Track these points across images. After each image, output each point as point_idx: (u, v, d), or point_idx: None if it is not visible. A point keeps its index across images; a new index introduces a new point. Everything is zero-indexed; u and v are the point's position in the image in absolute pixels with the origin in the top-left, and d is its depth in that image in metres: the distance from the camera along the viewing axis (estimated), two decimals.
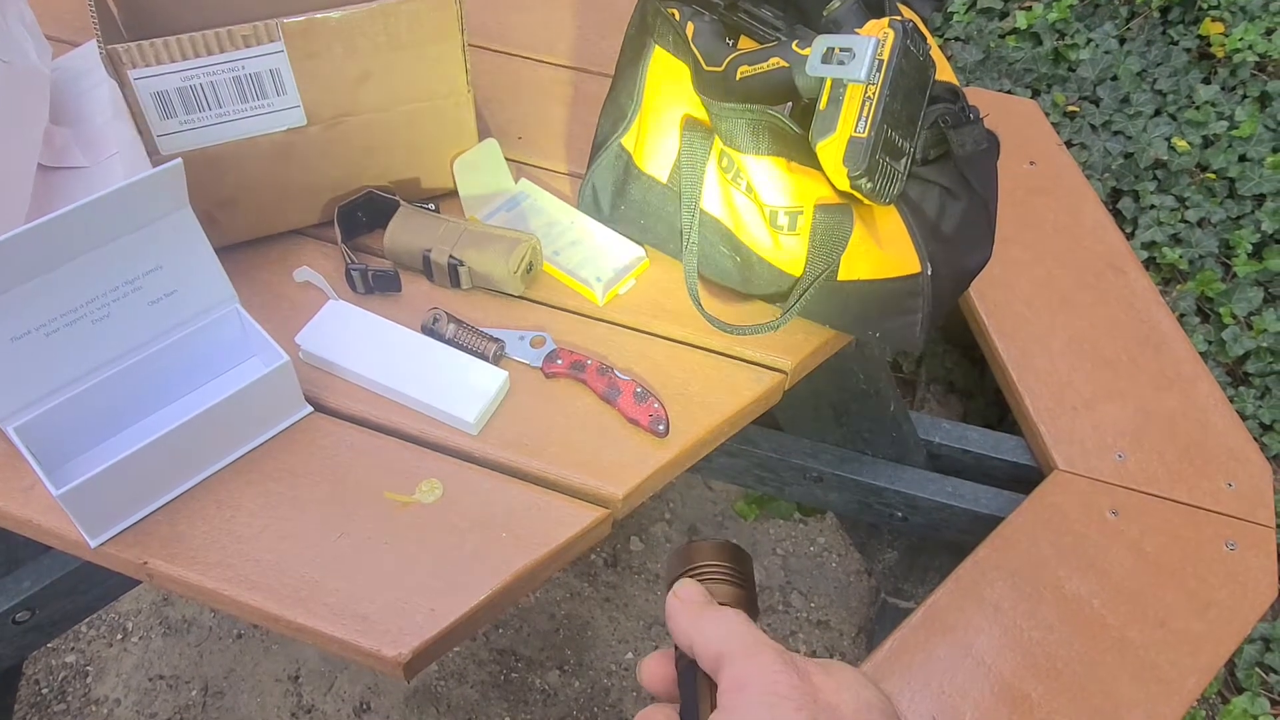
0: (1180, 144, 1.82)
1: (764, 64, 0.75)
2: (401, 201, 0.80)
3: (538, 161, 0.92)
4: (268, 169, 0.76)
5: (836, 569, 1.57)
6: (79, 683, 1.38)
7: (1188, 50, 1.97)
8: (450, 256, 0.77)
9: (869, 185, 0.68)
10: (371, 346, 0.73)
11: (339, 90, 0.75)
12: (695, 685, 0.35)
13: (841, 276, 0.73)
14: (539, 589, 1.50)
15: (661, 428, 0.71)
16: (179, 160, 0.61)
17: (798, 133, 0.69)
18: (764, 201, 0.70)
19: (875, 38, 0.67)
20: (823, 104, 0.69)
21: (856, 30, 0.71)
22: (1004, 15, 2.07)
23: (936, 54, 0.77)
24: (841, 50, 0.68)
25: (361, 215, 0.81)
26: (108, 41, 0.67)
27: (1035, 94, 1.94)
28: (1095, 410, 1.20)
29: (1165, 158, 1.80)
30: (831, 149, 0.68)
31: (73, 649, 1.41)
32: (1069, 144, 1.86)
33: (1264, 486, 1.14)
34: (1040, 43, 2.00)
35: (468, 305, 0.79)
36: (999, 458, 1.22)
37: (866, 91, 0.67)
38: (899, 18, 0.69)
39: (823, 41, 0.69)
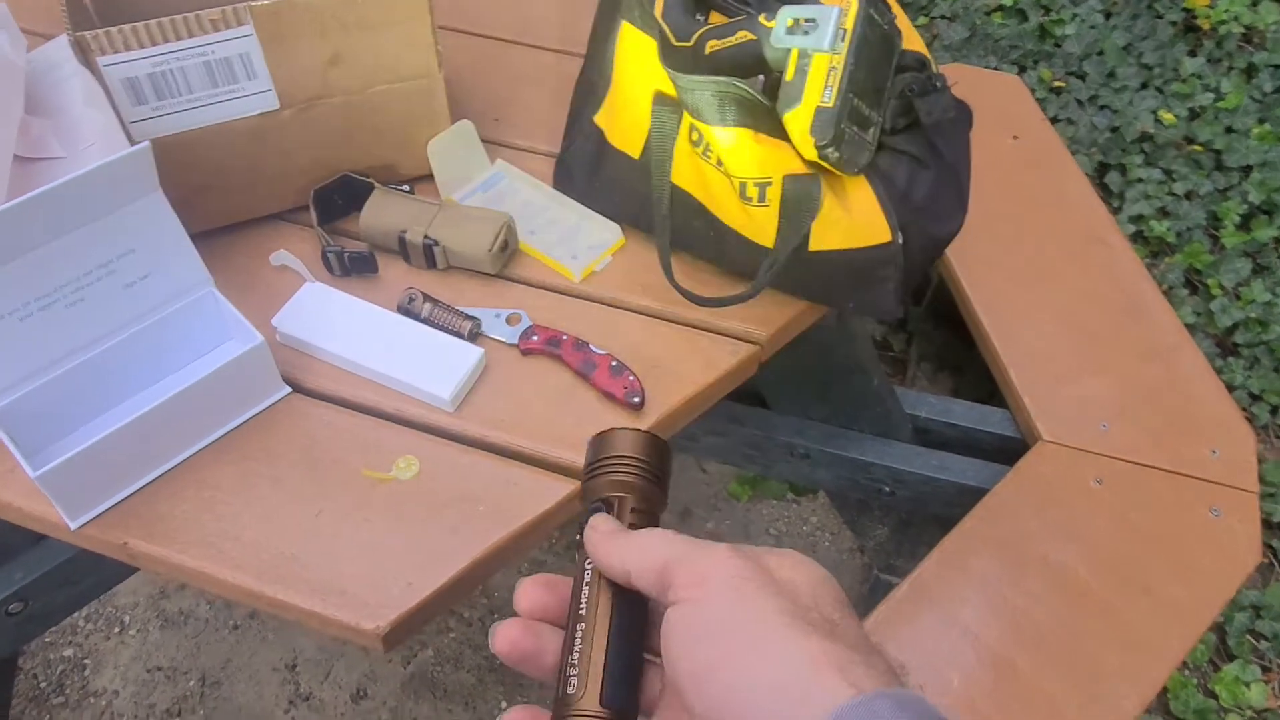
0: (1167, 117, 1.82)
1: (732, 37, 0.75)
2: (376, 184, 0.80)
3: (515, 142, 0.92)
4: (242, 153, 0.77)
5: (829, 548, 1.58)
6: (77, 675, 1.39)
7: (1173, 23, 1.97)
8: (425, 237, 0.78)
9: (836, 155, 0.69)
10: (348, 327, 0.74)
11: (310, 73, 0.75)
12: (577, 571, 0.36)
13: (813, 247, 0.74)
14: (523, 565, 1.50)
15: (637, 400, 0.71)
16: (146, 144, 0.61)
17: (764, 104, 0.70)
18: (732, 174, 0.71)
19: (838, 7, 0.67)
20: (789, 75, 0.70)
21: (821, 1, 0.71)
22: None
23: (904, 23, 0.77)
24: (806, 20, 0.69)
25: (338, 199, 0.82)
26: (77, 29, 0.68)
27: (1021, 70, 1.94)
28: (1079, 381, 1.20)
29: (1152, 131, 1.80)
30: (798, 119, 0.69)
31: (70, 642, 1.42)
32: (1055, 119, 1.86)
33: (1248, 453, 1.14)
34: (1026, 19, 2.00)
35: (444, 285, 0.79)
36: (985, 430, 1.22)
37: (831, 61, 0.68)
38: None
39: (787, 12, 0.70)
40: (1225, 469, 1.13)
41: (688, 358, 0.76)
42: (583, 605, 0.35)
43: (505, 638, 0.36)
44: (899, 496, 1.23)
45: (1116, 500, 1.10)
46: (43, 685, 1.38)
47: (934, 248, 0.78)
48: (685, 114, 0.73)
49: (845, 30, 0.67)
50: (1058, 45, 1.95)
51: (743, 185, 0.71)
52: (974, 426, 1.23)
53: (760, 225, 0.73)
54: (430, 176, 0.84)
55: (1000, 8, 2.01)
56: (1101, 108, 1.85)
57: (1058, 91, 1.89)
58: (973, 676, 0.98)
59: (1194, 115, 1.83)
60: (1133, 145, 1.80)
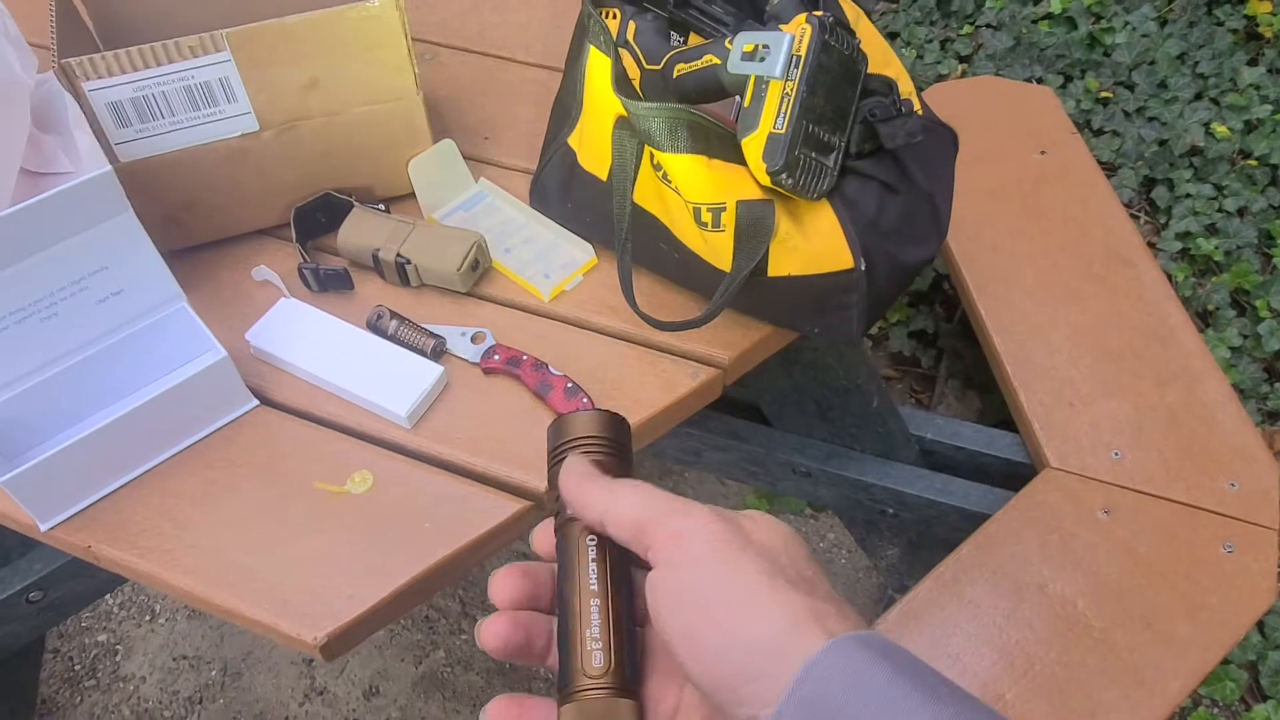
0: (1220, 129, 1.75)
1: (699, 61, 0.75)
2: (355, 203, 0.83)
3: (502, 161, 0.94)
4: (225, 174, 0.80)
5: (846, 565, 1.56)
6: (109, 660, 1.46)
7: (1233, 31, 1.89)
8: (398, 255, 0.79)
9: (790, 180, 0.68)
10: (317, 343, 0.76)
11: (289, 96, 0.78)
12: (566, 552, 0.37)
13: (771, 273, 0.73)
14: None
15: None
16: (108, 169, 0.64)
17: (718, 129, 0.70)
18: (687, 198, 0.71)
19: (790, 34, 0.67)
20: (747, 101, 0.70)
21: (782, 26, 0.71)
22: (1038, 0, 2.01)
23: (875, 45, 0.76)
24: (761, 47, 0.69)
25: (321, 216, 0.84)
26: (68, 54, 0.71)
27: (1067, 80, 1.88)
28: (1093, 406, 1.16)
29: (1202, 144, 1.73)
30: (754, 145, 0.69)
31: (104, 628, 1.49)
32: (1100, 131, 1.80)
33: (1269, 486, 1.09)
34: (1075, 27, 1.94)
35: (417, 303, 0.81)
36: (992, 454, 1.20)
37: (785, 88, 0.67)
38: (819, 13, 0.68)
39: (743, 38, 0.70)
40: (1243, 503, 1.08)
41: (647, 380, 0.76)
42: (593, 581, 0.36)
43: (494, 634, 0.37)
44: (902, 518, 1.21)
45: (1123, 531, 1.06)
46: (77, 668, 1.45)
47: (903, 274, 0.77)
48: None
49: (799, 56, 0.67)
50: (1107, 54, 1.88)
51: (697, 210, 0.71)
52: (981, 450, 1.20)
53: (716, 250, 0.73)
54: (413, 193, 0.86)
55: (1048, 16, 1.95)
56: (1150, 119, 1.78)
57: (1104, 102, 1.83)
58: None
59: (1250, 128, 1.75)
60: (1181, 159, 1.73)
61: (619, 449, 0.39)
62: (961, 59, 1.98)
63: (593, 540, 0.37)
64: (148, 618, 1.50)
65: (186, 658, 1.46)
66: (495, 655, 0.37)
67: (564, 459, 0.38)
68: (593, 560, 0.36)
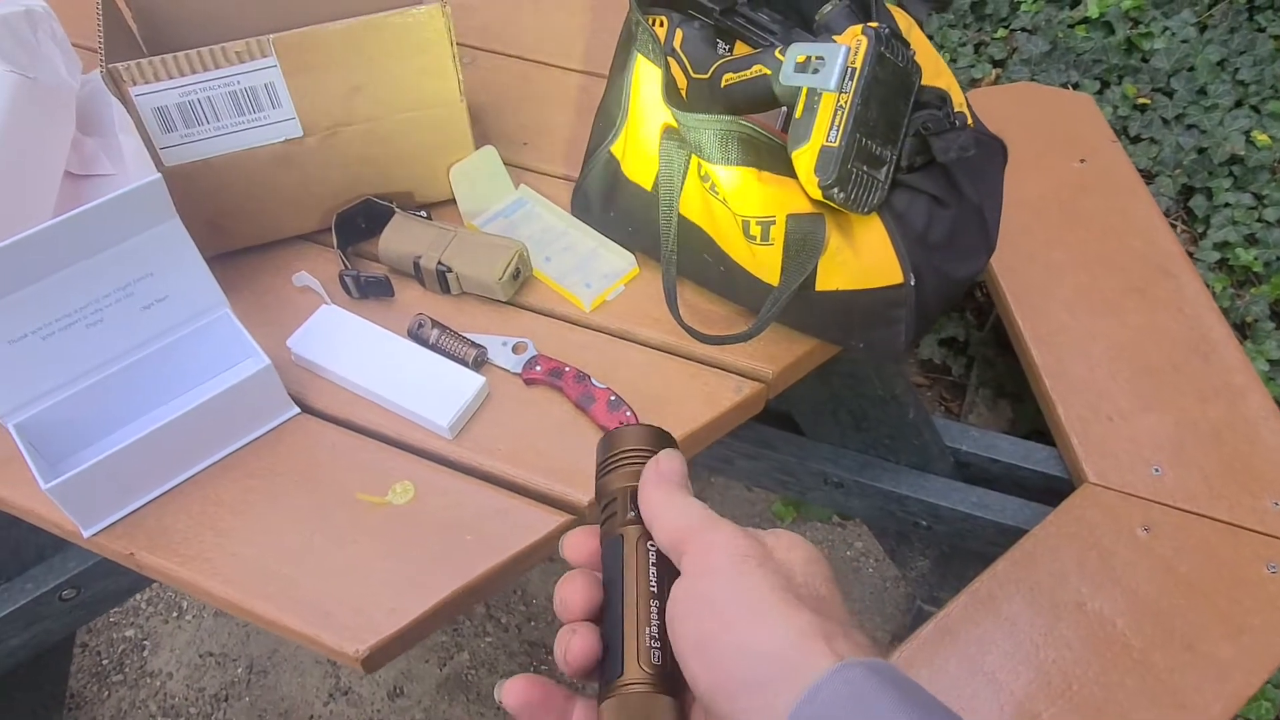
0: (1261, 138, 1.72)
1: (748, 71, 0.74)
2: (397, 209, 0.82)
3: (542, 168, 0.93)
4: (268, 179, 0.79)
5: (873, 574, 1.54)
6: (136, 655, 1.46)
7: (1275, 38, 1.86)
8: (439, 263, 0.79)
9: (842, 195, 0.67)
10: (358, 351, 0.76)
11: (333, 102, 0.77)
12: (621, 555, 0.38)
13: (820, 287, 0.72)
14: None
15: None
16: (158, 176, 0.64)
17: (770, 141, 0.69)
18: (736, 211, 0.70)
19: (846, 46, 0.66)
20: (799, 113, 0.69)
21: (836, 37, 0.70)
22: (1075, 4, 1.98)
23: (928, 57, 0.75)
24: (815, 59, 0.67)
25: (362, 222, 0.84)
26: (115, 59, 0.71)
27: (1104, 86, 1.85)
28: (1133, 421, 1.15)
29: (1242, 152, 1.70)
30: (805, 158, 0.68)
31: (132, 624, 1.50)
32: (1138, 138, 1.78)
33: None
34: (1112, 32, 1.91)
35: (457, 311, 0.81)
36: (1029, 468, 1.18)
37: (839, 100, 0.66)
38: (874, 24, 0.67)
39: (796, 49, 0.68)
40: None
41: (690, 393, 0.75)
42: (653, 583, 0.37)
43: (582, 651, 0.37)
44: (936, 531, 1.20)
45: (1164, 550, 1.04)
46: (104, 663, 1.46)
47: (951, 289, 0.76)
48: None
49: (854, 69, 0.66)
50: (1145, 60, 1.86)
51: (746, 223, 0.70)
52: (1018, 464, 1.18)
53: (763, 263, 0.72)
54: (453, 201, 0.86)
55: (1085, 20, 1.93)
56: (1189, 127, 1.76)
57: (1142, 109, 1.80)
58: None
59: None
60: (1221, 167, 1.70)
61: None
62: (995, 63, 1.96)
63: (653, 545, 0.38)
64: (175, 614, 1.51)
65: (213, 655, 1.46)
66: (576, 673, 0.37)
67: (616, 469, 0.40)
68: (653, 564, 0.38)
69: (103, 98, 0.90)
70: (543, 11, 1.10)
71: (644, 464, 0.40)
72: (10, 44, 0.78)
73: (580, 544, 0.40)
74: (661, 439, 0.41)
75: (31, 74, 0.79)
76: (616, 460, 0.41)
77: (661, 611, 0.37)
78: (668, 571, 0.38)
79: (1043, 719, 0.95)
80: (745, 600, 0.33)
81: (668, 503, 0.38)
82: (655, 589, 0.37)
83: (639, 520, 0.39)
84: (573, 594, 0.38)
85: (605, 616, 0.38)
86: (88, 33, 0.94)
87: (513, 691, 0.38)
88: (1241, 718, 1.35)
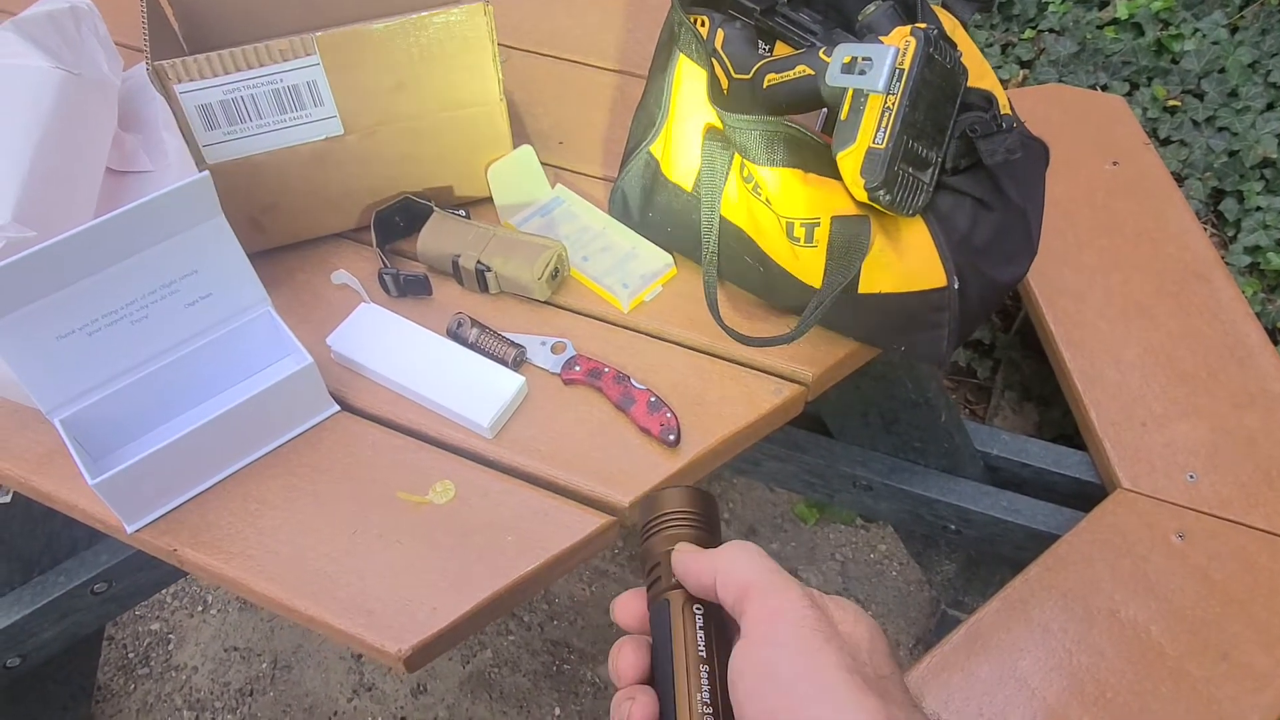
0: None
1: (791, 71, 0.74)
2: (435, 208, 0.82)
3: (577, 167, 0.93)
4: (308, 176, 0.79)
5: (897, 578, 1.54)
6: (161, 649, 1.47)
7: None
8: (478, 262, 0.79)
9: (888, 197, 0.67)
10: (397, 349, 0.76)
11: (374, 100, 0.77)
12: (668, 621, 0.38)
13: (863, 289, 0.72)
14: (588, 584, 1.52)
15: (672, 438, 0.71)
16: (206, 173, 0.64)
17: (815, 142, 0.68)
18: (780, 213, 0.70)
19: (895, 47, 0.65)
20: (844, 114, 0.68)
21: (882, 38, 0.69)
22: (1103, 5, 1.97)
23: (974, 58, 0.74)
24: (863, 59, 0.67)
25: (399, 220, 0.84)
26: (159, 56, 0.71)
27: (1133, 88, 1.84)
28: (1167, 427, 1.14)
29: (1275, 156, 1.68)
30: (851, 160, 0.67)
31: (158, 618, 1.51)
32: (1168, 141, 1.76)
33: None
34: (1142, 33, 1.89)
35: (495, 310, 0.81)
36: (1061, 473, 1.17)
37: (886, 102, 0.66)
38: (923, 25, 0.67)
39: (843, 50, 0.68)
40: None
41: (730, 396, 0.75)
42: (701, 648, 0.38)
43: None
44: (965, 535, 1.19)
45: (1199, 557, 1.03)
46: (130, 656, 1.47)
47: (994, 293, 0.75)
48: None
49: (902, 70, 0.65)
50: (1175, 62, 1.84)
51: (790, 225, 0.70)
52: (1049, 468, 1.18)
53: (806, 265, 0.71)
54: (490, 198, 0.86)
55: (1114, 21, 1.91)
56: (1220, 129, 1.74)
57: (1172, 111, 1.79)
58: None
59: None
60: (1252, 171, 1.69)
61: (709, 524, 0.41)
62: (1023, 64, 1.95)
63: (699, 609, 0.38)
64: (200, 608, 1.52)
65: (238, 649, 1.47)
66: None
67: (659, 532, 0.41)
68: (700, 628, 0.38)
69: (144, 94, 0.91)
70: (576, 11, 1.10)
71: (689, 527, 0.40)
72: (55, 40, 0.79)
73: (630, 607, 0.41)
74: (704, 501, 0.41)
75: (76, 70, 0.79)
76: (660, 523, 0.41)
77: (711, 676, 0.37)
78: (718, 634, 0.38)
79: None
80: (814, 679, 0.33)
81: (719, 557, 0.38)
82: (704, 654, 0.37)
83: (683, 586, 0.39)
84: (624, 662, 0.39)
85: (657, 682, 0.38)
86: (126, 29, 0.94)
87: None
88: None
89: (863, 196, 0.67)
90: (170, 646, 1.48)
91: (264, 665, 1.45)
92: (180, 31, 0.84)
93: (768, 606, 0.35)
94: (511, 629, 1.49)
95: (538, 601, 1.52)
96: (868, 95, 0.67)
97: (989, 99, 0.72)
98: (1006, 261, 0.75)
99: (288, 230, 0.83)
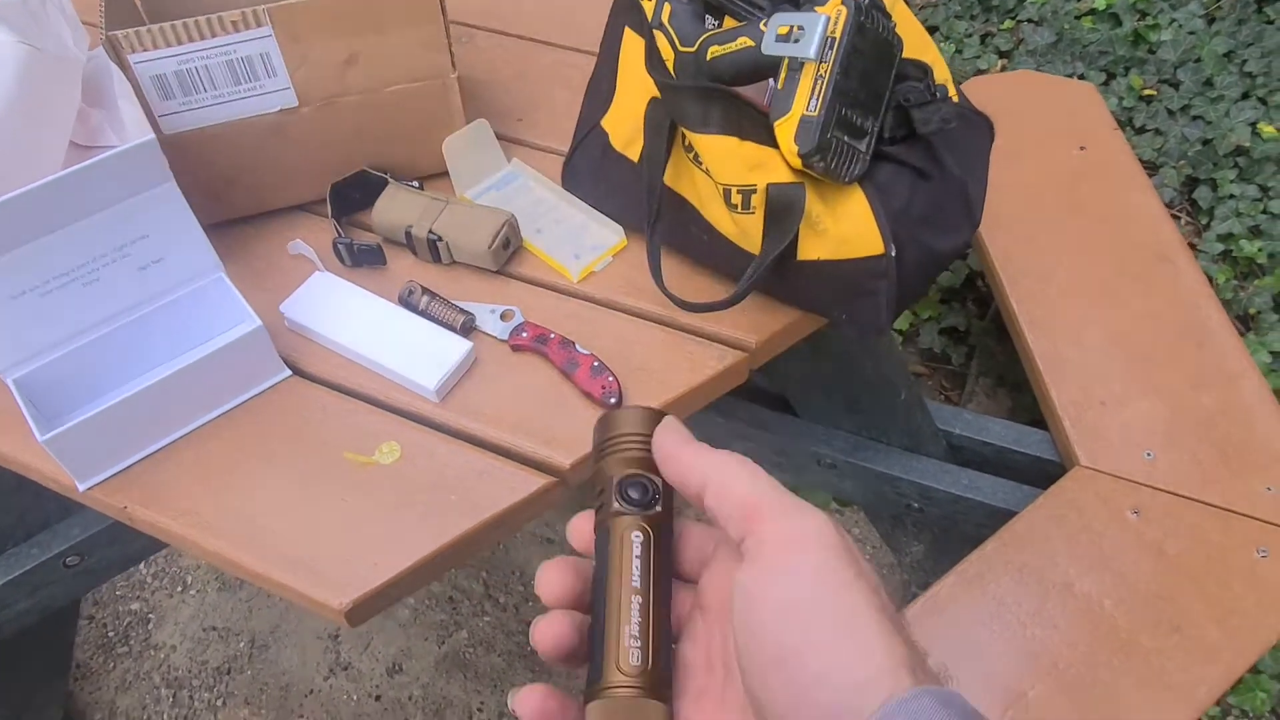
0: (1267, 130, 1.71)
1: (733, 43, 0.75)
2: (390, 180, 0.84)
3: (536, 142, 0.94)
4: (264, 148, 0.81)
5: (869, 562, 1.55)
6: (141, 628, 1.49)
7: None
8: (430, 232, 0.80)
9: (822, 164, 0.68)
10: (349, 316, 0.77)
11: (327, 72, 0.79)
12: (606, 548, 0.36)
13: (801, 256, 0.73)
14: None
15: (613, 400, 0.72)
16: (151, 136, 0.66)
17: (751, 110, 0.70)
18: (717, 179, 0.71)
19: (826, 15, 0.67)
20: (780, 83, 0.70)
21: (817, 8, 0.71)
22: None
23: (910, 29, 0.75)
24: (796, 29, 0.68)
25: (355, 193, 0.86)
26: (114, 27, 0.73)
27: (1110, 77, 1.85)
28: (1126, 406, 1.15)
29: (1248, 144, 1.70)
30: (786, 128, 0.69)
31: (137, 597, 1.52)
32: (1143, 130, 1.78)
33: None
34: (1119, 23, 1.91)
35: (448, 280, 0.82)
36: (1021, 451, 1.18)
37: (819, 70, 0.67)
38: None
39: (779, 19, 0.69)
40: (1279, 508, 1.06)
41: (674, 361, 0.76)
42: (635, 577, 0.35)
43: (548, 635, 0.35)
44: (928, 513, 1.20)
45: (1154, 533, 1.05)
46: (110, 635, 1.49)
47: (932, 262, 0.76)
48: None
49: (834, 38, 0.67)
50: (1151, 51, 1.85)
51: (727, 191, 0.71)
52: (1010, 447, 1.19)
53: (746, 232, 0.73)
54: (446, 172, 0.87)
55: (1092, 11, 1.92)
56: (1194, 118, 1.75)
57: (1148, 100, 1.80)
58: (978, 702, 0.95)
59: None
60: (1226, 159, 1.70)
61: None
62: (1002, 54, 1.96)
63: (638, 536, 0.36)
64: (179, 589, 1.53)
65: (216, 629, 1.49)
66: (547, 657, 0.35)
67: (612, 454, 0.38)
68: (637, 557, 0.35)
69: (108, 71, 0.92)
70: None
71: (639, 450, 0.37)
72: (19, 15, 0.80)
73: (583, 529, 0.37)
74: (659, 421, 0.38)
75: (39, 45, 0.81)
76: (612, 445, 0.38)
77: (644, 608, 0.34)
78: (663, 566, 0.36)
79: (1029, 697, 0.95)
80: (845, 620, 0.29)
81: (716, 463, 0.33)
82: (637, 584, 0.35)
83: (625, 512, 0.36)
84: (549, 580, 0.36)
85: (592, 610, 0.36)
86: (94, 8, 0.96)
87: (526, 701, 0.35)
88: (1236, 709, 1.35)
89: (798, 164, 0.69)
90: (150, 626, 1.49)
91: (241, 644, 1.47)
92: (143, 7, 0.86)
93: (788, 529, 0.31)
94: (487, 610, 1.50)
95: (514, 583, 1.53)
96: (802, 64, 0.68)
97: (924, 69, 0.73)
98: (945, 231, 0.76)
99: (246, 202, 0.85)
